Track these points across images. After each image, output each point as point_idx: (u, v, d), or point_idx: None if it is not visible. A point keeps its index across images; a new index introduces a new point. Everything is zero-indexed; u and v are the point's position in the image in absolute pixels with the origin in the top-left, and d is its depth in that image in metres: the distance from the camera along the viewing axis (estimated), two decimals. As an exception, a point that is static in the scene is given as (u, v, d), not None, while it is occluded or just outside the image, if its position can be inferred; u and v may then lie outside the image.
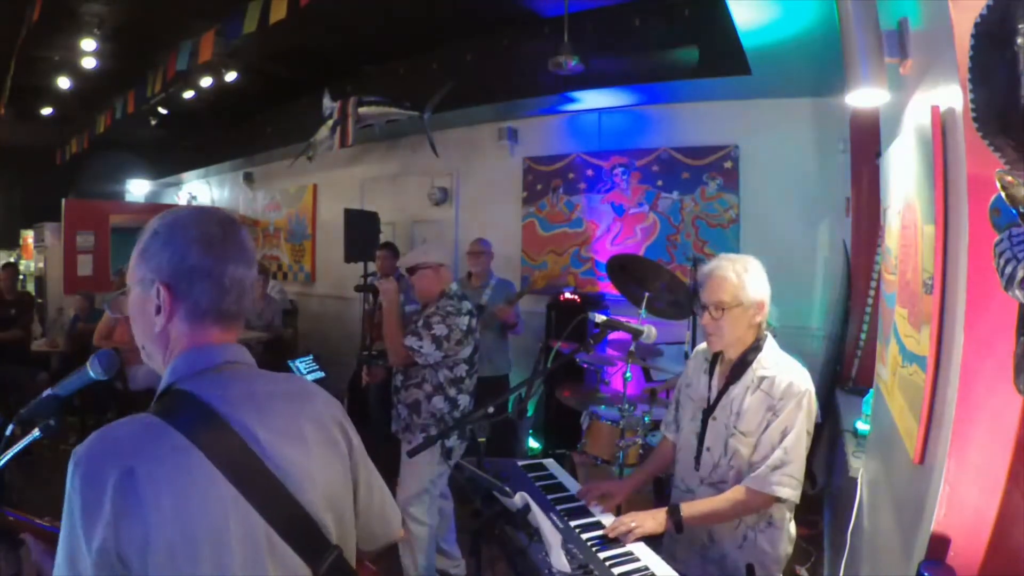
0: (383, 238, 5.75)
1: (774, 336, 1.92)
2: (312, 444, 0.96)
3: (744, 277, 1.81)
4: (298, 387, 1.03)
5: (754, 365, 1.83)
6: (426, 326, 2.76)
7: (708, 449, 1.88)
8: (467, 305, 2.89)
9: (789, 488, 1.72)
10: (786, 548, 1.87)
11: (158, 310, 0.93)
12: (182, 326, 0.94)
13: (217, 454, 0.85)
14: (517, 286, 4.87)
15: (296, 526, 0.91)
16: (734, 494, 1.76)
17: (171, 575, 0.80)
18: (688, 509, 1.78)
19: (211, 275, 0.93)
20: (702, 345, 2.05)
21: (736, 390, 1.84)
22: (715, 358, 1.95)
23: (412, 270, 2.91)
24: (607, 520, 1.89)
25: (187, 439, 0.85)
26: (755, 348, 1.85)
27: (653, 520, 1.76)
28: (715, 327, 1.84)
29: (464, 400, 2.90)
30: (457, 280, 4.42)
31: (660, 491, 2.86)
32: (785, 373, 1.78)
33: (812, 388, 1.80)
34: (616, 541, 1.75)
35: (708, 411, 1.90)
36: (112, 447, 0.83)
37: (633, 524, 1.74)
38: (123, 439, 0.85)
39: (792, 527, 1.89)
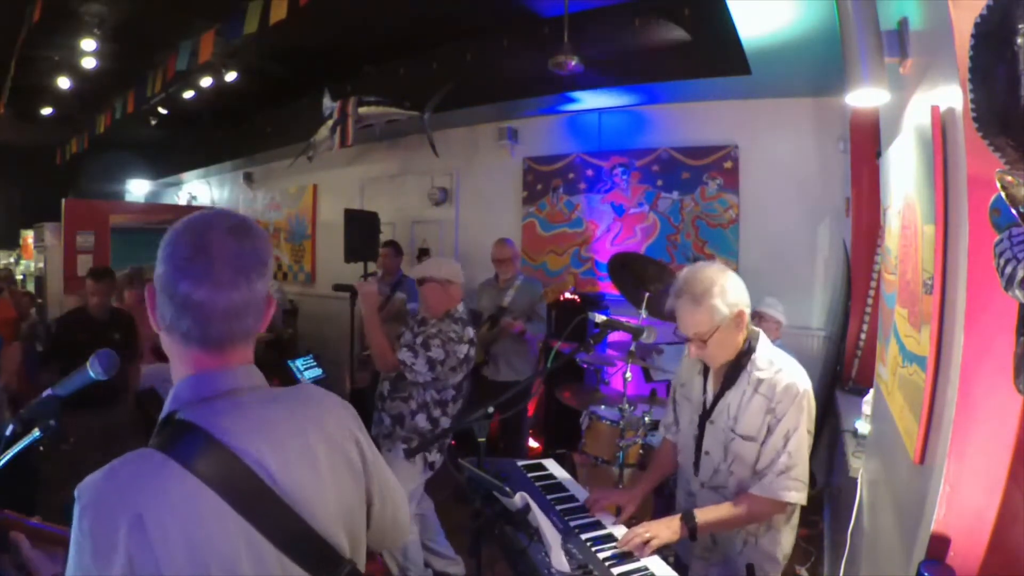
0: (383, 238, 5.75)
1: (777, 337, 1.90)
2: (324, 466, 0.95)
3: (710, 301, 1.72)
4: (309, 405, 1.00)
5: (748, 367, 1.79)
6: (424, 346, 2.71)
7: (707, 453, 1.86)
8: (470, 333, 2.84)
9: (796, 491, 1.70)
10: (785, 550, 1.86)
11: (159, 328, 0.93)
12: (180, 348, 0.92)
13: (224, 486, 0.84)
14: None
15: (309, 549, 0.90)
16: (747, 500, 1.74)
17: None
18: (702, 516, 1.75)
19: (188, 307, 0.88)
20: None
21: (732, 394, 1.80)
22: None
23: (421, 281, 2.86)
24: (607, 520, 1.88)
25: (192, 474, 0.83)
26: (747, 350, 1.80)
27: (668, 529, 1.73)
28: (704, 352, 1.80)
29: (446, 423, 2.86)
30: (484, 281, 4.37)
31: (659, 491, 2.86)
32: (782, 374, 1.75)
33: (810, 387, 1.77)
34: (613, 539, 1.75)
35: (705, 415, 1.87)
36: (118, 492, 0.81)
37: (648, 535, 1.70)
38: (128, 484, 0.83)
39: (792, 528, 1.89)
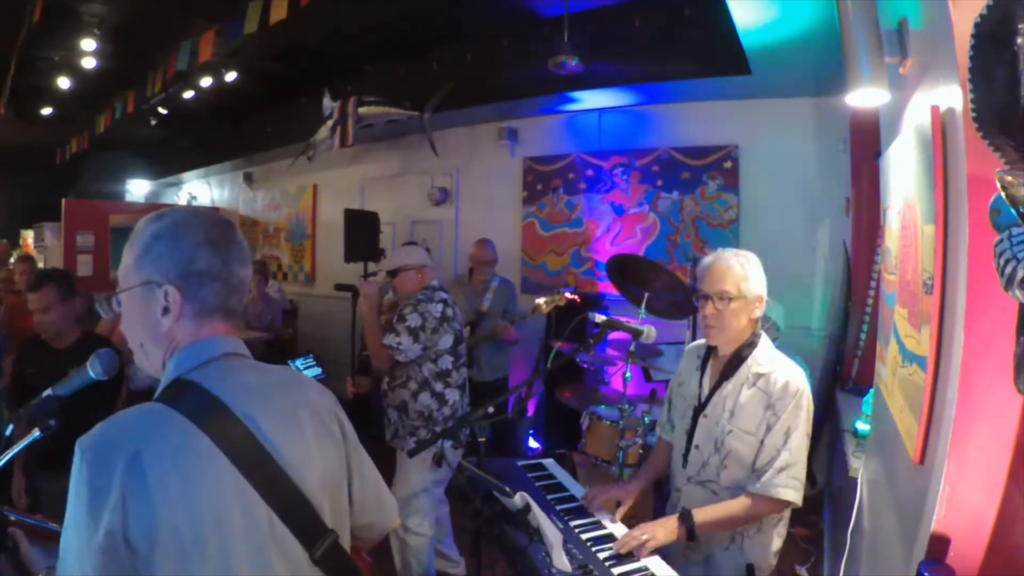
0: (383, 239, 5.75)
1: (776, 338, 1.90)
2: (309, 432, 1.00)
3: (748, 268, 1.80)
4: (293, 378, 1.08)
5: (748, 361, 1.80)
6: (400, 319, 2.73)
7: (697, 447, 1.86)
8: (440, 294, 2.85)
9: (793, 490, 1.70)
10: (770, 558, 1.85)
11: (164, 311, 0.95)
12: (188, 324, 0.97)
13: (222, 439, 0.88)
14: (517, 286, 4.85)
15: (295, 510, 0.94)
16: (745, 499, 1.73)
17: (177, 558, 0.81)
18: (700, 515, 1.74)
19: (220, 276, 0.97)
20: (694, 343, 2.04)
21: (729, 387, 1.81)
22: (707, 356, 1.94)
23: (395, 272, 2.87)
24: (607, 520, 1.88)
25: (193, 424, 0.87)
26: (750, 344, 1.82)
27: (664, 529, 1.72)
28: (717, 319, 1.80)
29: (453, 395, 2.84)
30: (456, 277, 4.42)
31: (659, 489, 2.86)
32: (780, 372, 1.76)
33: (808, 388, 1.77)
34: (613, 538, 1.74)
35: (699, 409, 1.87)
36: (118, 433, 0.85)
37: (644, 536, 1.69)
38: (128, 425, 0.86)
39: (781, 536, 1.86)
